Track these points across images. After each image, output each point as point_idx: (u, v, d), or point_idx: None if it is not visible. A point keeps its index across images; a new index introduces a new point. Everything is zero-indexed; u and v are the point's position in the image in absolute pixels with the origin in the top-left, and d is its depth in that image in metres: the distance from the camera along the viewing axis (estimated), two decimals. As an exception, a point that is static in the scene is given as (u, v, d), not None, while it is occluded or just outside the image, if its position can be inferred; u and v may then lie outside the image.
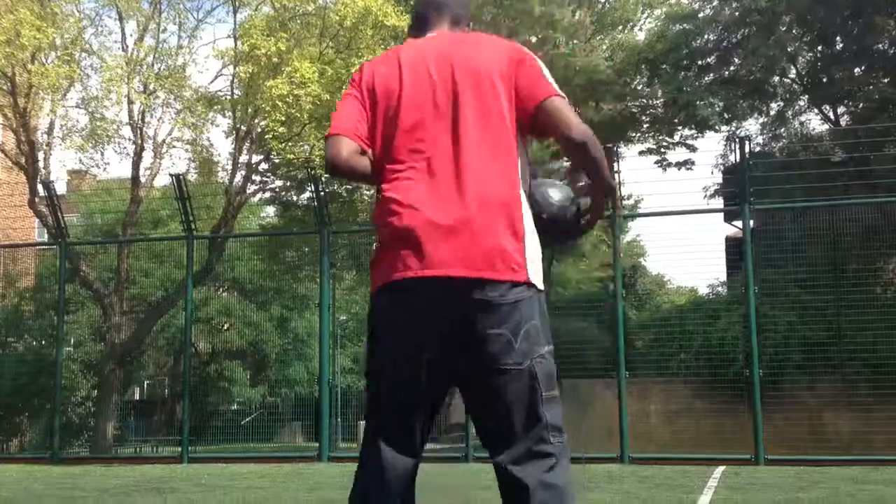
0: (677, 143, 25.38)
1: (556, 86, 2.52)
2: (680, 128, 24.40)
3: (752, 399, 13.02)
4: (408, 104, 2.50)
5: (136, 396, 31.74)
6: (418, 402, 2.47)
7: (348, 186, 23.20)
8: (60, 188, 19.88)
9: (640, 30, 25.69)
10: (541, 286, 2.45)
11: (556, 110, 2.46)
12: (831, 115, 21.77)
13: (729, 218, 19.24)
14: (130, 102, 19.48)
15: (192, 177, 20.58)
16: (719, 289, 21.16)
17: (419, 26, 2.75)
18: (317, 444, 15.69)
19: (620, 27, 25.81)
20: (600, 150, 2.47)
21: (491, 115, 2.46)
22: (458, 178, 2.40)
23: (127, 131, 19.95)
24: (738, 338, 14.69)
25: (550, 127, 2.47)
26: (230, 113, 20.30)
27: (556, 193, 2.58)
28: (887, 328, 14.44)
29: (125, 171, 21.85)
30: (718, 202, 23.15)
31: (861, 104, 20.61)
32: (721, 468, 11.45)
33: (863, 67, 20.60)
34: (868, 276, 15.94)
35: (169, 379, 29.16)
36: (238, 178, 20.78)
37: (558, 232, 2.61)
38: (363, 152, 2.56)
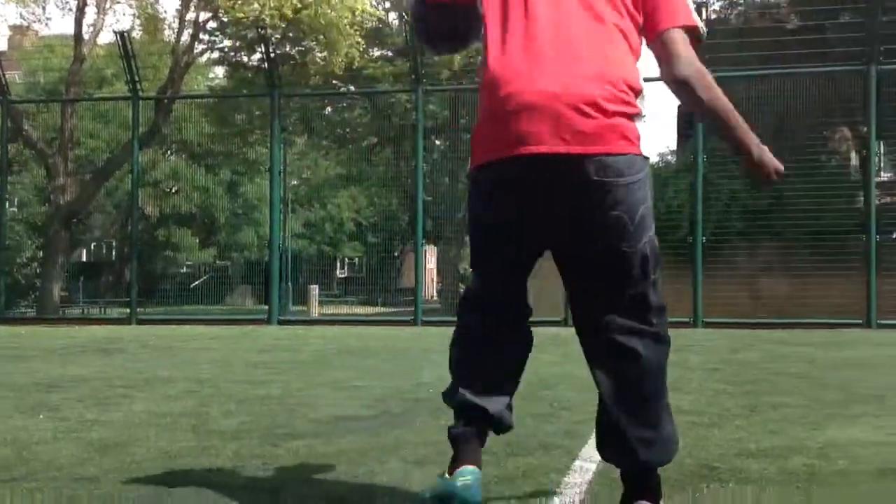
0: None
1: (686, 13, 2.39)
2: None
3: (694, 264, 13.33)
4: None
5: (84, 259, 31.52)
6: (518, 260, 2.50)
7: (300, 47, 22.64)
8: (1, 45, 19.14)
9: None
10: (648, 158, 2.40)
11: (669, 43, 2.36)
12: (789, -19, 21.55)
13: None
14: (71, -47, 18.65)
15: (136, 35, 19.92)
16: (669, 157, 21.32)
17: None
18: (266, 308, 15.83)
19: None
20: (713, 91, 2.34)
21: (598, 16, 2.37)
22: (566, 49, 2.31)
23: (68, -16, 19.19)
24: (684, 205, 14.89)
25: (660, 62, 2.39)
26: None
27: None
28: (829, 195, 14.73)
29: (68, 27, 21.07)
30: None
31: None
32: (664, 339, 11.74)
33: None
34: (815, 144, 16.12)
35: (117, 242, 28.96)
36: (185, 37, 20.18)
37: None
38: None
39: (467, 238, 2.64)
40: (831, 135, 16.69)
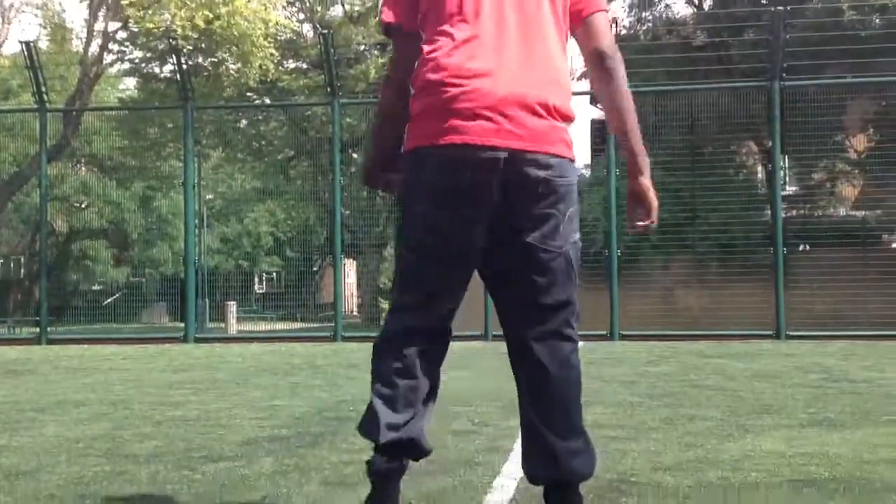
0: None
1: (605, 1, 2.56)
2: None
3: (610, 278, 13.54)
4: None
5: (-9, 276, 30.53)
6: (458, 267, 2.44)
7: (213, 59, 22.37)
8: None
9: None
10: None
11: (596, 23, 2.49)
12: (696, -1, 22.13)
13: (594, 101, 19.52)
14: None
15: (43, 44, 19.44)
16: (582, 171, 21.64)
17: None
18: (183, 325, 15.54)
19: None
20: (622, 69, 2.49)
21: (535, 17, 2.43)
22: (528, 52, 2.36)
23: (-30, -6, 18.62)
24: (599, 218, 15.13)
25: (585, 41, 2.49)
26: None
27: None
28: (738, 209, 15.15)
29: (-30, 37, 20.43)
30: (584, 84, 23.43)
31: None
32: (579, 344, 11.88)
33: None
34: (723, 159, 16.56)
35: (25, 258, 28.10)
36: (94, 47, 19.75)
37: None
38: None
39: (387, 252, 2.62)
40: (738, 149, 17.18)
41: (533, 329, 2.42)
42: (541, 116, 2.32)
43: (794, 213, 16.19)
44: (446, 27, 2.38)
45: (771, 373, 7.71)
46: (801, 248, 15.52)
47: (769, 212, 14.46)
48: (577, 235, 2.45)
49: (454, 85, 2.31)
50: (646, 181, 2.50)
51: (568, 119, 2.40)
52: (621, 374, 7.59)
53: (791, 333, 13.05)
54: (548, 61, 2.39)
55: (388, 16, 2.49)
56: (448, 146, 2.31)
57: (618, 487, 3.10)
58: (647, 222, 2.53)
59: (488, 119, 2.29)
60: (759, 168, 17.44)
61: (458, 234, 2.38)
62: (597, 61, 2.48)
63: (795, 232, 15.04)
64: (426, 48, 2.39)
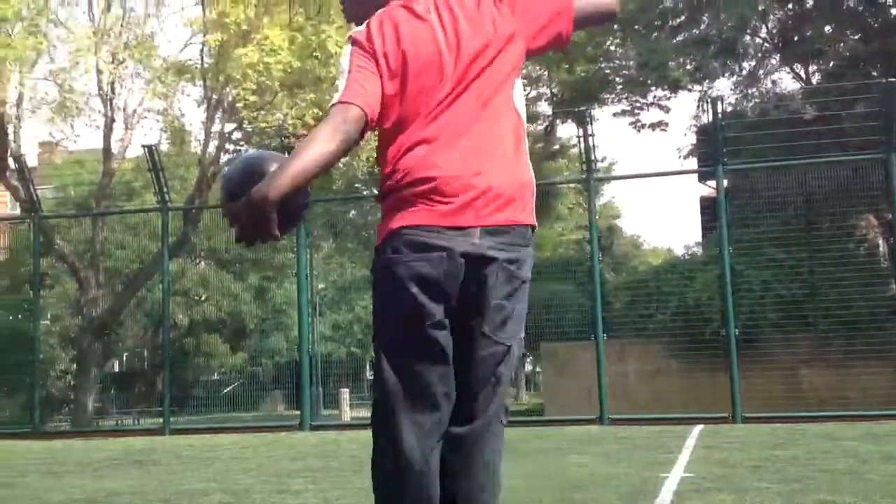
0: (650, 104, 25.46)
1: None
2: (653, 88, 24.45)
3: (729, 358, 13.16)
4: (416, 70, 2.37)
5: (116, 369, 31.68)
6: (445, 360, 2.35)
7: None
8: (31, 161, 19.63)
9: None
10: None
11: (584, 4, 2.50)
12: (802, 73, 21.86)
13: (703, 178, 19.35)
14: (99, 73, 19.26)
15: (164, 147, 20.41)
16: (694, 249, 21.37)
17: None
18: (298, 413, 15.75)
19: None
20: None
21: (491, 84, 2.38)
22: (476, 141, 2.33)
23: (97, 102, 19.77)
24: (714, 297, 14.83)
25: (594, 10, 2.52)
26: (200, 82, 20.13)
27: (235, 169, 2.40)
28: (860, 284, 14.62)
29: (97, 142, 21.65)
30: (692, 163, 23.28)
31: (832, 62, 20.70)
32: (699, 427, 11.60)
33: (833, 25, 20.66)
34: (841, 233, 16.09)
35: (148, 351, 29.10)
36: (211, 147, 20.64)
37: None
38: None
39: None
40: (857, 222, 16.67)
41: (466, 426, 2.42)
42: (499, 205, 2.36)
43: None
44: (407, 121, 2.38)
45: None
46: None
47: (894, 285, 13.92)
48: (523, 334, 2.46)
49: (416, 173, 2.33)
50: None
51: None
52: (746, 459, 7.33)
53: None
54: (498, 149, 2.38)
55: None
56: (414, 229, 2.33)
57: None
58: None
59: (443, 202, 2.31)
60: (881, 241, 16.86)
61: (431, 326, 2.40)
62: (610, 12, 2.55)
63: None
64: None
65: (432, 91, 2.34)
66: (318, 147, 2.22)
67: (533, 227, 2.42)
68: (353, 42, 2.40)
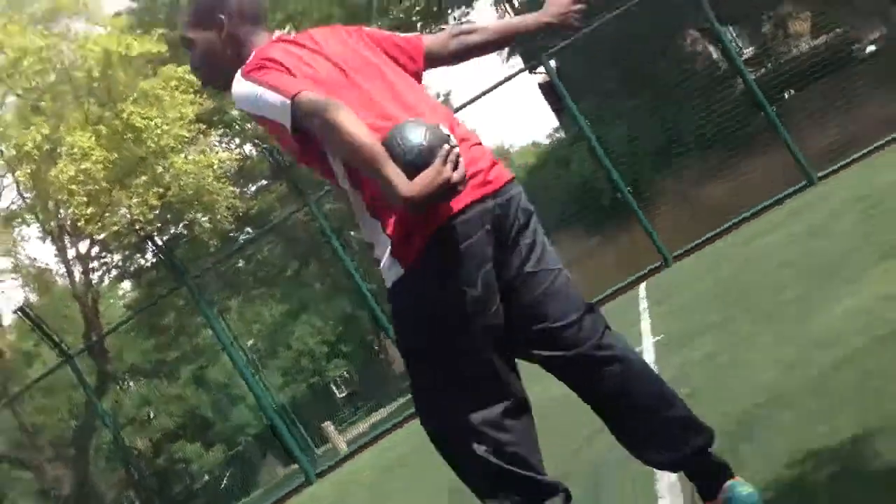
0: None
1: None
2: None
3: (636, 215, 13.44)
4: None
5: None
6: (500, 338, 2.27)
7: (185, 222, 22.69)
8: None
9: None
10: None
11: (432, 42, 2.60)
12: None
13: (532, 69, 19.56)
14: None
15: (34, 299, 19.80)
16: (557, 135, 21.65)
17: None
18: (297, 466, 15.49)
19: None
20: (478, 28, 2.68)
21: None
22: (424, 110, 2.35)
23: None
24: (596, 170, 15.09)
25: (442, 47, 2.60)
26: (32, 218, 19.54)
27: (414, 135, 2.21)
28: (713, 93, 14.93)
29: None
30: (517, 61, 23.54)
31: None
32: (642, 286, 11.71)
33: None
34: (674, 57, 16.45)
35: (132, 490, 28.45)
36: (77, 275, 20.10)
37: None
38: None
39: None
40: (683, 42, 17.08)
41: (582, 344, 2.43)
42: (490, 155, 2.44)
43: (762, 71, 16.04)
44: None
45: (819, 228, 7.26)
46: (785, 96, 15.38)
47: (740, 80, 14.32)
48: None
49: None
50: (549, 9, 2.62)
51: None
52: (700, 293, 7.40)
53: (822, 175, 12.73)
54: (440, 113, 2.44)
55: None
56: (453, 215, 2.31)
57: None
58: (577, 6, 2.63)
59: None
60: (710, 48, 17.30)
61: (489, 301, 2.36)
62: (460, 41, 2.61)
63: (772, 86, 14.89)
64: None
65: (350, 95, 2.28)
66: (364, 133, 2.09)
67: None
68: (258, 68, 2.25)
